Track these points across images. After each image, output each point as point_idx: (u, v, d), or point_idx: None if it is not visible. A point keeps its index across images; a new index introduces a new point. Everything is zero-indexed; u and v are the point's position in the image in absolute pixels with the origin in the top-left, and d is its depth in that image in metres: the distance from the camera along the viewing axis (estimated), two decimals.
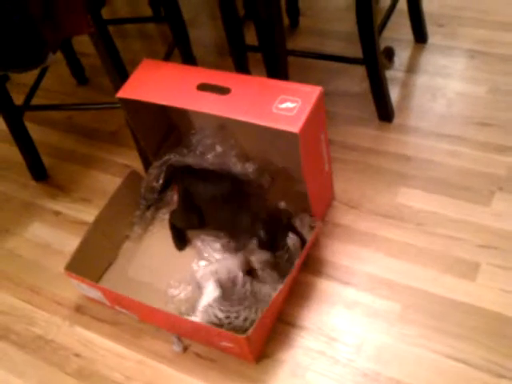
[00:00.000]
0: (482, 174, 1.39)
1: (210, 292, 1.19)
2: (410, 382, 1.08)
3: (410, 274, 1.24)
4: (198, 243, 1.33)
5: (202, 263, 1.29)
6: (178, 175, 1.40)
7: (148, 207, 1.46)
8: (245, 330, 1.10)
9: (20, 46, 1.18)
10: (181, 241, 1.39)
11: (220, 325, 1.13)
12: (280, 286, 1.16)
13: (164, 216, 1.44)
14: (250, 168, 1.35)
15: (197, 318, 1.16)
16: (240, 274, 1.18)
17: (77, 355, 1.24)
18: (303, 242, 1.24)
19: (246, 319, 1.12)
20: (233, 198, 1.30)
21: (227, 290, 1.18)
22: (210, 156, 1.38)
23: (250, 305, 1.14)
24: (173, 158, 1.41)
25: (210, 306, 1.16)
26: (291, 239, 1.21)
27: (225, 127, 1.37)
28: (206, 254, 1.30)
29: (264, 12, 1.29)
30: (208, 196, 1.32)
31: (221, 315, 1.13)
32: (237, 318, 1.12)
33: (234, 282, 1.18)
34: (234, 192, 1.32)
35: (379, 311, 1.19)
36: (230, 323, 1.12)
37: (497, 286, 1.19)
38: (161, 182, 1.42)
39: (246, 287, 1.17)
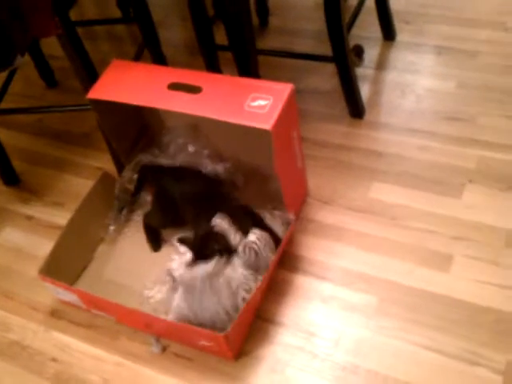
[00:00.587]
0: (453, 168, 1.41)
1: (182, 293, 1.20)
2: (388, 374, 1.09)
3: (385, 268, 1.25)
4: (175, 242, 1.32)
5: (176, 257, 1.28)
6: (151, 175, 1.39)
7: (122, 209, 1.45)
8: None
9: None
10: (156, 241, 1.38)
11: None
12: (255, 285, 1.16)
13: (139, 218, 1.43)
14: (221, 169, 1.35)
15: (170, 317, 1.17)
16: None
17: (54, 360, 1.23)
18: (277, 240, 1.24)
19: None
20: (206, 198, 1.31)
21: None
22: (181, 156, 1.38)
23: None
24: (144, 159, 1.41)
25: (178, 306, 1.17)
26: (257, 235, 1.21)
27: (197, 127, 1.37)
28: (182, 250, 1.29)
29: (232, 8, 1.29)
30: (182, 195, 1.32)
31: (190, 314, 1.14)
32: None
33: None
34: (207, 191, 1.32)
35: (356, 305, 1.20)
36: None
37: (471, 276, 1.21)
38: (134, 183, 1.42)
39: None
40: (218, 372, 1.15)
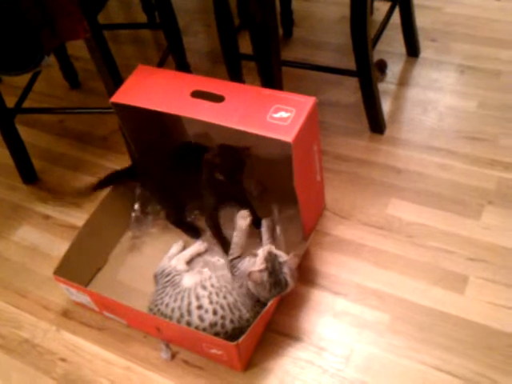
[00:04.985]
0: (472, 188, 1.40)
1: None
2: None
3: (399, 286, 1.24)
4: None
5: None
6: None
7: (139, 213, 1.45)
8: None
9: (16, 50, 1.17)
10: (190, 230, 1.41)
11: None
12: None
13: (155, 221, 1.44)
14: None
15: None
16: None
17: (63, 360, 1.23)
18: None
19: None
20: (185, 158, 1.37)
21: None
22: None
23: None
24: None
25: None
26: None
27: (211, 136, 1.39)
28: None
29: (259, 18, 1.29)
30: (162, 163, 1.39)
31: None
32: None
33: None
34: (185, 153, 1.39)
35: (368, 322, 1.20)
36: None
37: (485, 298, 1.20)
38: None
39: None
40: (227, 382, 1.15)
